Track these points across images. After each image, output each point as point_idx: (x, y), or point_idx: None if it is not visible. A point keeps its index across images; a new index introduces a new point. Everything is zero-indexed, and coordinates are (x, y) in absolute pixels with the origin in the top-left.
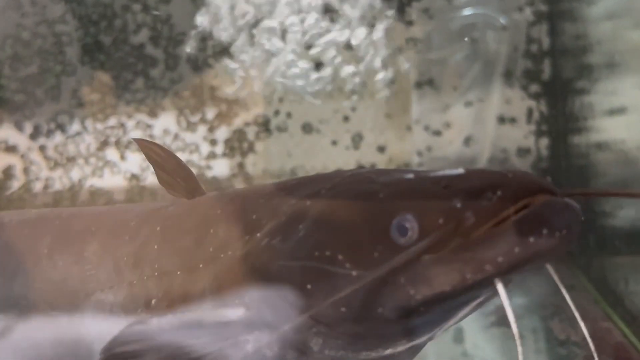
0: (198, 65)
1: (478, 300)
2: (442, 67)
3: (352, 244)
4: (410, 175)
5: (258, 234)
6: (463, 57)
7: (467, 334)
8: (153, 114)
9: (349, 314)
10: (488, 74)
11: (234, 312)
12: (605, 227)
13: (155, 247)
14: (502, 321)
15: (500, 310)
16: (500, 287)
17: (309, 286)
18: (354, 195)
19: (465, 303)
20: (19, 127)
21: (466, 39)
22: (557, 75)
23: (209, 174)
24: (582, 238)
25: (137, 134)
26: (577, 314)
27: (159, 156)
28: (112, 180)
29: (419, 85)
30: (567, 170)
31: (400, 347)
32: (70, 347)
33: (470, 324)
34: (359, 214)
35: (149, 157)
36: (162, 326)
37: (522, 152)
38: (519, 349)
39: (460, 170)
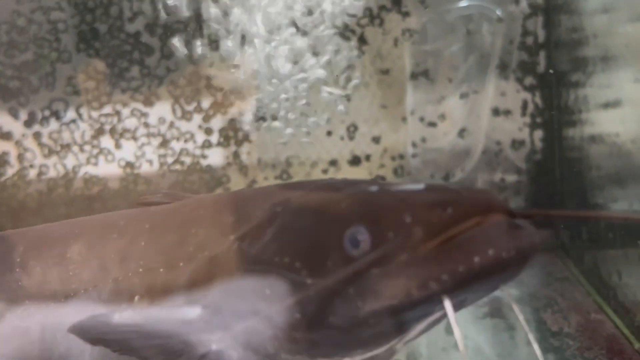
0: (194, 54)
1: (433, 317)
2: (438, 58)
3: (309, 252)
4: (374, 188)
5: (232, 237)
6: (458, 49)
7: (459, 325)
8: (148, 102)
9: (303, 321)
10: (483, 66)
11: (192, 311)
12: (598, 220)
13: (143, 244)
14: (495, 312)
15: (494, 301)
16: (447, 304)
17: (267, 291)
18: (317, 205)
19: (419, 318)
20: (13, 114)
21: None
22: (552, 68)
23: (204, 162)
24: (574, 230)
25: (132, 122)
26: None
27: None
28: (107, 168)
29: (414, 76)
30: (561, 162)
31: (358, 357)
32: (49, 346)
33: (463, 315)
34: (318, 223)
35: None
36: (123, 321)
37: (517, 144)
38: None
39: (421, 185)
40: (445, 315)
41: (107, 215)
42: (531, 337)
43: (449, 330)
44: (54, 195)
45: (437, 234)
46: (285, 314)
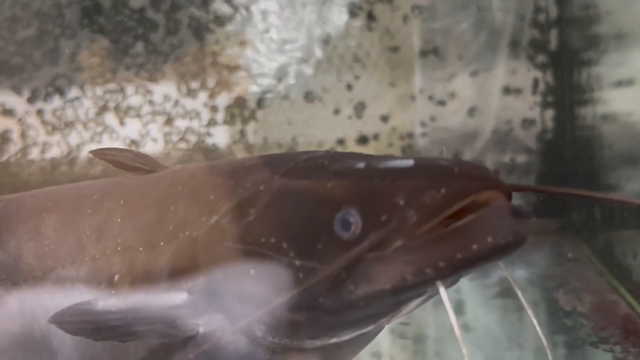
0: (199, 30)
1: (424, 297)
2: (447, 35)
3: (297, 233)
4: (362, 165)
5: (214, 216)
6: (469, 26)
7: (467, 305)
8: (153, 79)
9: (290, 303)
10: (494, 44)
11: (179, 296)
12: (596, 200)
13: (119, 220)
14: (505, 293)
15: (504, 282)
16: (441, 289)
17: (252, 271)
18: (303, 184)
19: (409, 299)
20: (16, 90)
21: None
22: (565, 46)
23: (209, 141)
24: (587, 211)
25: (136, 99)
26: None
27: (115, 156)
28: (111, 146)
29: (423, 54)
30: (572, 142)
31: (345, 337)
32: (26, 326)
33: (472, 296)
34: (306, 204)
35: (109, 162)
36: (107, 308)
37: (527, 123)
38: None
39: (410, 162)
40: (437, 293)
41: (79, 187)
42: (531, 313)
43: (457, 312)
44: (57, 174)
45: (431, 217)
46: (272, 296)
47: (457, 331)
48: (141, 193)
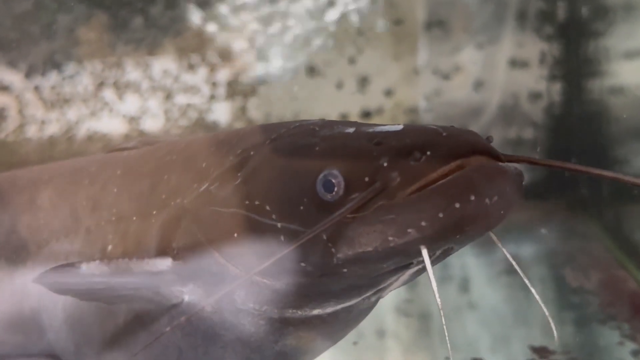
0: (199, 3)
1: (412, 270)
2: (453, 7)
3: (281, 196)
4: (351, 130)
5: (204, 182)
6: None
7: (473, 283)
8: (152, 54)
9: (271, 267)
10: (500, 15)
11: (162, 262)
12: (590, 175)
13: (115, 190)
14: (511, 270)
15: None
16: (425, 254)
17: (235, 234)
18: (290, 148)
19: (394, 270)
20: (13, 65)
21: None
22: (572, 17)
23: (210, 117)
24: (595, 186)
25: (136, 74)
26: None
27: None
28: (111, 123)
29: (428, 26)
30: (579, 116)
31: (329, 309)
32: (16, 305)
33: (477, 272)
34: (291, 167)
35: None
36: (91, 271)
37: (534, 97)
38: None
39: (398, 127)
40: (424, 267)
41: (77, 161)
42: (532, 288)
43: (462, 290)
44: (55, 152)
45: (415, 179)
46: (254, 260)
47: (439, 301)
48: (138, 163)
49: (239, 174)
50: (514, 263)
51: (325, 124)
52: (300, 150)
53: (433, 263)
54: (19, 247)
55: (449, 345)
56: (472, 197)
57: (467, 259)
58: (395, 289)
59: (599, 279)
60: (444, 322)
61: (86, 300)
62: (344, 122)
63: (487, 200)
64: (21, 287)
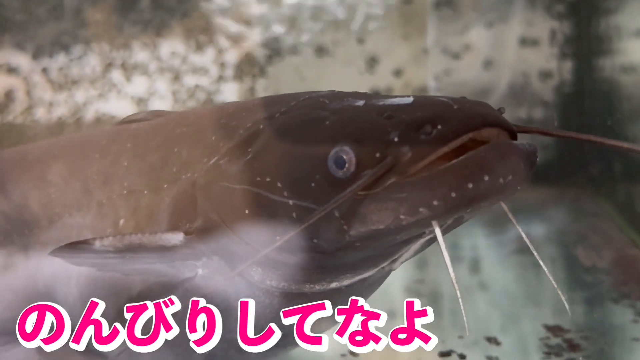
0: None
1: (424, 240)
2: None
3: (292, 172)
4: (361, 102)
5: (214, 156)
6: None
7: (484, 263)
8: (160, 35)
9: (285, 243)
10: None
11: (174, 237)
12: (604, 146)
13: (125, 164)
14: (522, 249)
15: (521, 238)
16: (437, 229)
17: (246, 211)
18: (301, 122)
19: (407, 241)
20: (21, 47)
21: None
22: None
23: (219, 98)
24: (607, 164)
25: (143, 55)
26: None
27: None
28: (119, 105)
29: (437, 5)
30: (590, 94)
31: (346, 281)
32: (34, 273)
33: (488, 253)
34: (302, 143)
35: None
36: (104, 248)
37: (544, 75)
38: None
39: (409, 99)
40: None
41: (87, 135)
42: (543, 266)
43: (473, 270)
44: (63, 134)
45: (426, 154)
46: (266, 237)
47: (452, 274)
48: (148, 136)
49: (249, 149)
50: (526, 239)
51: (335, 95)
52: (311, 125)
53: (444, 232)
54: (32, 222)
55: (465, 317)
56: (486, 177)
57: (477, 240)
58: (407, 259)
59: (612, 258)
60: (458, 294)
61: (101, 271)
62: (354, 93)
63: (501, 180)
64: (35, 262)
